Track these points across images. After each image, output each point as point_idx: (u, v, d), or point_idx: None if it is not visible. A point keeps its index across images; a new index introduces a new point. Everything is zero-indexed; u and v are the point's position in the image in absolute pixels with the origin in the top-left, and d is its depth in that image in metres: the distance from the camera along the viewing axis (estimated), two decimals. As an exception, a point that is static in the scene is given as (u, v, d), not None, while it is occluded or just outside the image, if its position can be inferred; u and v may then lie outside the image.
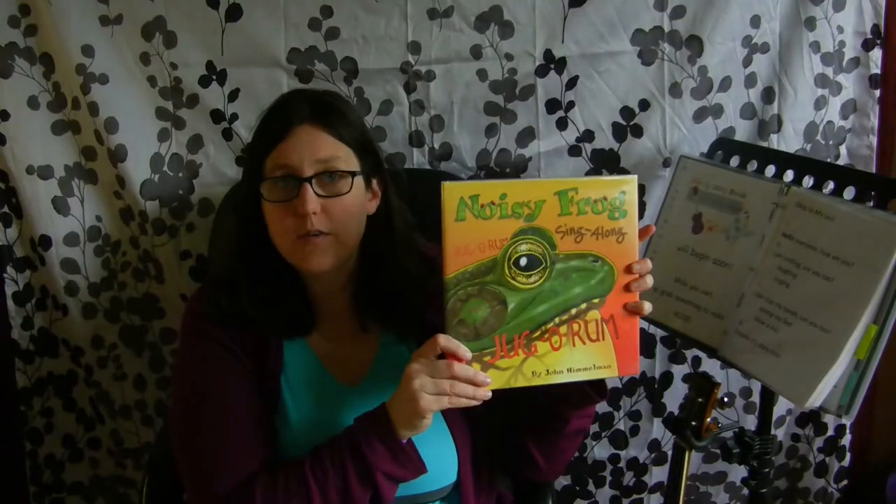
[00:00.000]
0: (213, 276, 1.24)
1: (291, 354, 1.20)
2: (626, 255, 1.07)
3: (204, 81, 1.66)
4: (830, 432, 1.85)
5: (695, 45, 1.64)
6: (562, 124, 1.68)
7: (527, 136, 1.68)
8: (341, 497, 1.07)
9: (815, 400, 1.21)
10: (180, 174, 1.70)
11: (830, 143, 1.70)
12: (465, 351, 1.03)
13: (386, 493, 1.08)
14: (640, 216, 1.69)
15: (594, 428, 1.85)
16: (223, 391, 1.15)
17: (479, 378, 1.03)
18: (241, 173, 1.24)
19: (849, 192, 1.33)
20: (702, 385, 1.37)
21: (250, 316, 1.16)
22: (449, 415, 1.19)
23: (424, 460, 1.10)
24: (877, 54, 1.67)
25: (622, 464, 1.87)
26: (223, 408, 1.14)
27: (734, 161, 1.53)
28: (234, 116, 1.67)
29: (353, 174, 1.14)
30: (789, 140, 1.69)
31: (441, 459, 1.19)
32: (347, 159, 1.14)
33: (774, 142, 1.69)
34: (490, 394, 1.04)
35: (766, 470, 1.41)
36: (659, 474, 1.87)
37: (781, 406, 1.79)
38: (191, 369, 1.18)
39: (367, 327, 1.23)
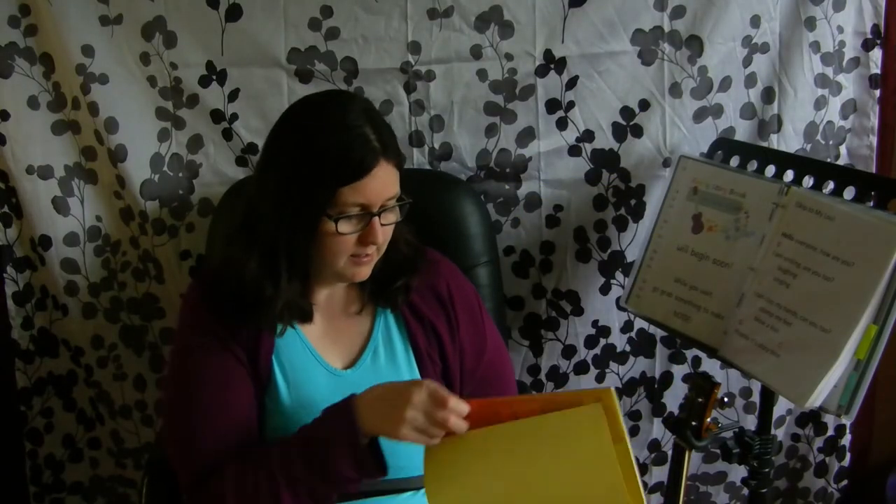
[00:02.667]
0: (229, 274, 1.21)
1: (285, 339, 1.22)
2: None
3: (204, 81, 1.66)
4: (830, 432, 1.85)
5: (695, 45, 1.64)
6: (562, 124, 1.68)
7: (527, 136, 1.68)
8: (310, 498, 1.12)
9: (815, 400, 1.21)
10: (180, 174, 1.70)
11: (830, 143, 1.70)
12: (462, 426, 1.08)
13: (350, 489, 1.13)
14: (640, 216, 1.72)
15: (594, 428, 1.85)
16: (216, 377, 1.18)
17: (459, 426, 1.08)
18: (284, 184, 1.15)
19: (849, 192, 1.33)
20: (702, 385, 1.37)
21: (259, 310, 1.18)
22: None
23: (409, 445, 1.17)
24: (877, 54, 1.67)
25: (622, 464, 1.87)
26: (215, 390, 1.17)
27: (734, 161, 1.53)
28: (234, 116, 1.67)
29: (404, 200, 1.18)
30: (789, 140, 1.69)
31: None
32: (398, 185, 1.17)
33: (774, 142, 1.69)
34: None
35: (766, 470, 1.42)
36: (659, 474, 1.87)
37: (781, 406, 1.79)
38: (187, 355, 1.20)
39: (362, 309, 1.27)
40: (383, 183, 1.13)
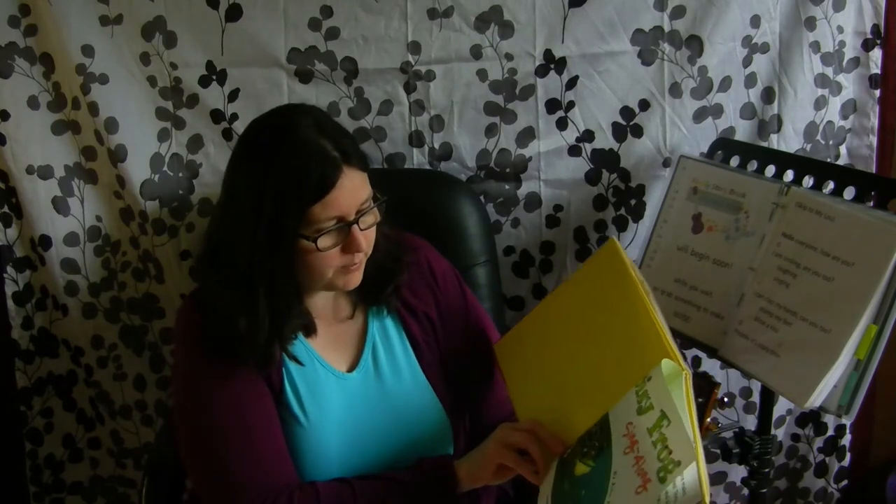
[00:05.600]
0: (219, 310, 1.17)
1: (292, 349, 1.21)
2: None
3: (204, 81, 1.66)
4: (830, 432, 1.85)
5: (695, 45, 1.63)
6: (562, 124, 1.68)
7: (527, 136, 1.68)
8: None
9: (815, 400, 1.21)
10: (180, 174, 1.71)
11: (830, 143, 1.70)
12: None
13: None
14: (640, 216, 1.71)
15: (594, 428, 1.85)
16: (237, 406, 1.15)
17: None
18: (250, 214, 1.11)
19: (849, 192, 1.33)
20: (702, 385, 1.37)
21: (264, 341, 1.15)
22: (440, 390, 1.26)
23: (421, 433, 1.20)
24: (877, 54, 1.67)
25: (622, 464, 1.87)
26: (240, 424, 1.14)
27: (734, 161, 1.53)
28: (234, 116, 1.67)
29: (376, 199, 1.16)
30: (789, 140, 1.69)
31: (436, 433, 1.24)
32: (369, 185, 1.16)
33: (774, 142, 1.69)
34: None
35: (766, 470, 1.41)
36: (659, 474, 1.86)
37: (781, 406, 1.79)
38: (201, 383, 1.17)
39: (355, 312, 1.28)
40: (352, 191, 1.11)
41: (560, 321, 1.24)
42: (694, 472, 0.88)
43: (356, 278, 1.18)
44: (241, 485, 1.12)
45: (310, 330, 1.21)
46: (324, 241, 1.11)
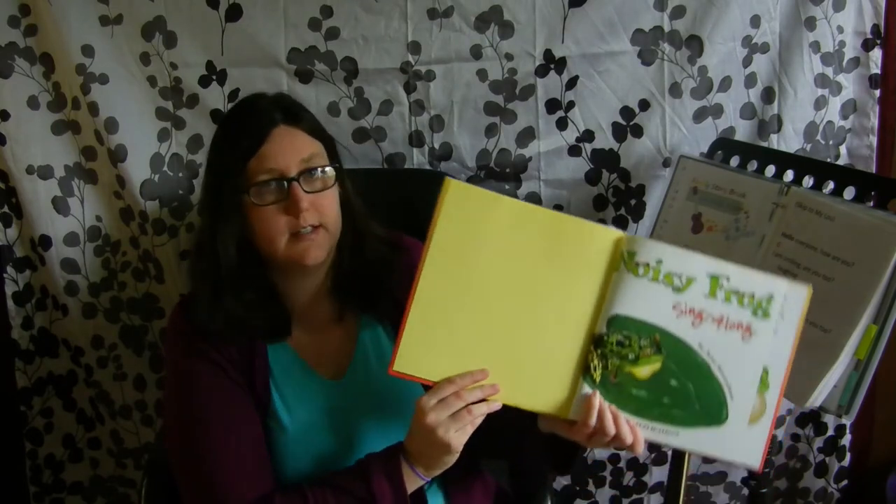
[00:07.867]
0: (192, 292, 1.21)
1: (275, 357, 1.20)
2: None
3: (204, 81, 1.66)
4: (830, 432, 1.85)
5: (695, 45, 1.64)
6: (562, 124, 1.68)
7: (527, 136, 1.68)
8: None
9: (815, 400, 1.21)
10: (180, 174, 1.71)
11: (830, 143, 1.70)
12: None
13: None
14: (640, 216, 1.71)
15: (594, 428, 1.85)
16: (220, 412, 1.15)
17: (485, 392, 1.04)
18: (206, 184, 1.22)
19: (849, 192, 1.33)
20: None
21: (233, 327, 1.16)
22: None
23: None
24: (877, 54, 1.67)
25: (622, 464, 1.87)
26: (222, 430, 1.14)
27: (734, 161, 1.54)
28: (234, 116, 1.67)
29: (334, 167, 1.18)
30: (789, 140, 1.69)
31: None
32: (323, 154, 1.18)
33: (774, 142, 1.69)
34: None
35: (766, 470, 1.41)
36: (659, 474, 1.87)
37: (781, 406, 1.78)
38: (184, 391, 1.17)
39: (344, 316, 1.25)
40: (288, 145, 1.13)
41: (457, 281, 1.08)
42: (781, 287, 1.03)
43: (313, 252, 1.14)
44: (223, 494, 1.11)
45: (284, 329, 1.20)
46: (259, 194, 1.12)
